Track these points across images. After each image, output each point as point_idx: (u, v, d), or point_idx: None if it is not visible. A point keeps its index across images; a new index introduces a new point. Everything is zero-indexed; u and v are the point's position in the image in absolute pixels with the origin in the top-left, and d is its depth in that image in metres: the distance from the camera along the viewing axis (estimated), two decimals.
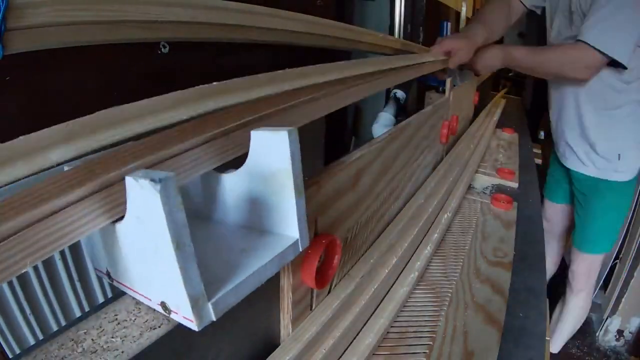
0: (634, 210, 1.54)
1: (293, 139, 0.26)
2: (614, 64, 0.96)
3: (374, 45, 1.01)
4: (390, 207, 0.56)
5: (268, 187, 0.28)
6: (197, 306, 0.21)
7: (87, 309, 0.70)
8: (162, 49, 0.69)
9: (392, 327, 0.46)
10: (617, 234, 1.28)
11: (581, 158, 1.19)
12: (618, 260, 1.63)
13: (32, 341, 0.64)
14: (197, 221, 0.32)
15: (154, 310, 0.25)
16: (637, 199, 1.53)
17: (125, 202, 0.21)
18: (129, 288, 0.25)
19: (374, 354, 0.42)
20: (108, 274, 0.27)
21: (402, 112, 1.23)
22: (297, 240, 0.29)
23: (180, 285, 0.20)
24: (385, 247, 0.51)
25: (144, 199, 0.19)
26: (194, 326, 0.21)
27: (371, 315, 0.46)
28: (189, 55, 0.75)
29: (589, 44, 0.92)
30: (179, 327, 0.23)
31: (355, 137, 1.45)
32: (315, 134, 1.11)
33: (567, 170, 1.27)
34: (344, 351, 0.41)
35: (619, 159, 1.14)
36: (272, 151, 0.26)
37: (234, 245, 0.28)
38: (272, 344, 0.37)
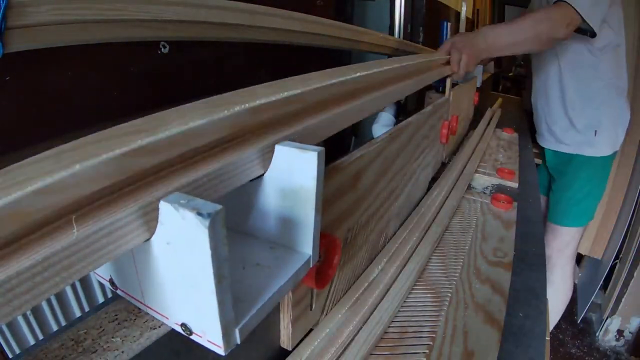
0: (633, 210, 1.54)
1: (321, 159, 0.26)
2: (582, 31, 1.00)
3: (374, 45, 1.01)
4: (390, 207, 0.56)
5: (286, 202, 0.27)
6: (227, 333, 0.21)
7: (87, 309, 0.70)
8: (162, 49, 0.69)
9: (392, 327, 0.46)
10: (591, 210, 1.30)
11: (559, 136, 1.27)
12: (618, 261, 1.63)
13: (32, 341, 0.64)
14: None
15: None
16: (638, 198, 1.53)
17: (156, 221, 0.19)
18: (138, 301, 0.25)
19: (373, 354, 0.42)
20: (112, 282, 0.26)
21: (402, 112, 1.23)
22: (310, 257, 0.29)
23: (214, 314, 0.19)
24: (385, 249, 0.51)
25: (185, 230, 0.18)
26: (220, 351, 0.21)
27: (371, 315, 0.46)
28: (188, 55, 0.75)
29: (567, 2, 0.93)
30: None
31: (355, 137, 1.45)
32: None
33: (544, 155, 1.34)
34: (343, 351, 0.41)
35: (595, 135, 1.20)
36: (298, 168, 0.26)
37: (248, 257, 0.28)
38: (273, 343, 0.37)
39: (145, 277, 0.22)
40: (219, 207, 0.17)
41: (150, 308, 0.24)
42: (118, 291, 0.26)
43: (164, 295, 0.22)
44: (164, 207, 0.18)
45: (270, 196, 0.28)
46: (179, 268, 0.20)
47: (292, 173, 0.26)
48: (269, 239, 0.30)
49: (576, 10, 0.92)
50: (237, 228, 0.31)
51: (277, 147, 0.26)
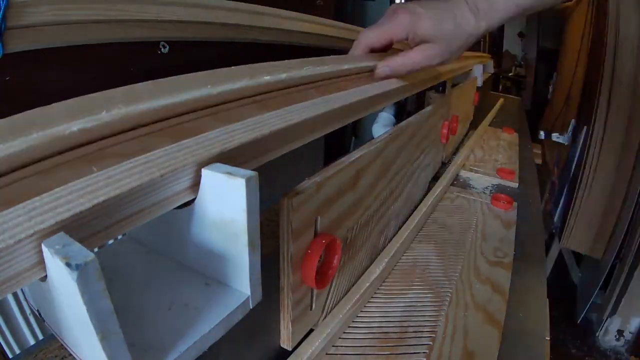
0: (633, 210, 1.54)
1: (252, 187, 0.22)
2: None
3: None
4: (391, 207, 0.56)
5: (218, 234, 0.24)
6: None
7: None
8: (162, 49, 0.69)
9: (392, 326, 0.46)
10: None
11: None
12: (618, 261, 1.63)
13: (32, 341, 0.64)
14: (142, 255, 0.29)
15: None
16: (638, 198, 1.53)
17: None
18: (60, 338, 0.23)
19: (373, 354, 0.42)
20: (39, 313, 0.24)
21: (402, 112, 1.23)
22: (248, 297, 0.26)
23: None
24: (385, 250, 0.51)
25: (61, 277, 0.16)
26: None
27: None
28: (189, 55, 0.75)
29: None
30: None
31: (355, 137, 1.45)
32: None
33: None
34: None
35: None
36: (226, 197, 0.22)
37: (177, 295, 0.25)
38: (272, 344, 0.37)
39: (57, 314, 0.20)
40: (90, 256, 0.16)
41: (68, 346, 0.22)
42: (46, 324, 0.24)
43: (71, 335, 0.20)
44: (45, 250, 0.16)
45: (204, 227, 0.25)
46: (74, 315, 0.18)
47: (222, 202, 0.23)
48: (206, 274, 0.27)
49: None
50: (175, 258, 0.29)
51: (204, 171, 0.23)
